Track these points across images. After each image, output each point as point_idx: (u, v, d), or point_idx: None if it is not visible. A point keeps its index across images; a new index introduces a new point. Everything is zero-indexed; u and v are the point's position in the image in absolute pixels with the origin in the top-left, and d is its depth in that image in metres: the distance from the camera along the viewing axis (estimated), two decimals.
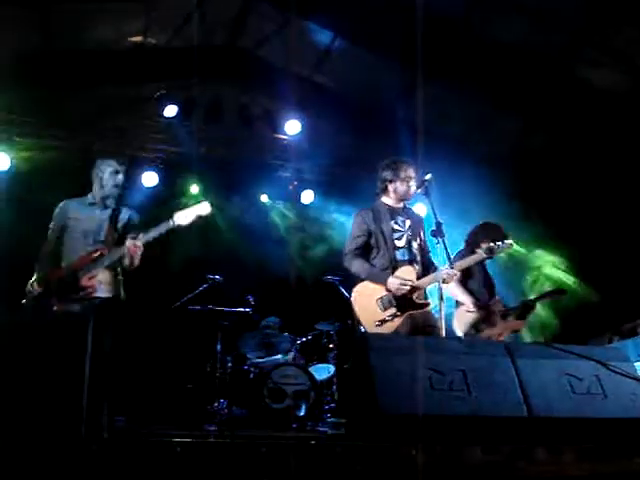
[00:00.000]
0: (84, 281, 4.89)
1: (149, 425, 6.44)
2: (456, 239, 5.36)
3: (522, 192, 8.99)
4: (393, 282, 5.04)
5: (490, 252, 5.22)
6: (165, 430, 5.72)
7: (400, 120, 8.24)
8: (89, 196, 5.28)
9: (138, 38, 8.46)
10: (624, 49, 7.35)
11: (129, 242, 4.90)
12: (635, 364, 6.24)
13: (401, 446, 3.30)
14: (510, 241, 5.30)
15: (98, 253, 4.97)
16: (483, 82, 7.94)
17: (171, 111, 8.94)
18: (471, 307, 5.86)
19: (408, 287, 5.01)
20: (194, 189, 9.59)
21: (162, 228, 5.02)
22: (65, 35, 7.86)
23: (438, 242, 4.84)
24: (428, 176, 5.09)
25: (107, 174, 5.22)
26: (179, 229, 5.04)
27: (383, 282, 5.07)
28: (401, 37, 7.11)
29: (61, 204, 5.23)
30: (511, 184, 8.77)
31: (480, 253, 5.24)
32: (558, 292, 6.36)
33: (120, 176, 5.24)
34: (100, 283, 4.94)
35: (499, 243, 5.24)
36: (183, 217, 5.04)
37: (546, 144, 8.54)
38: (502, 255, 5.60)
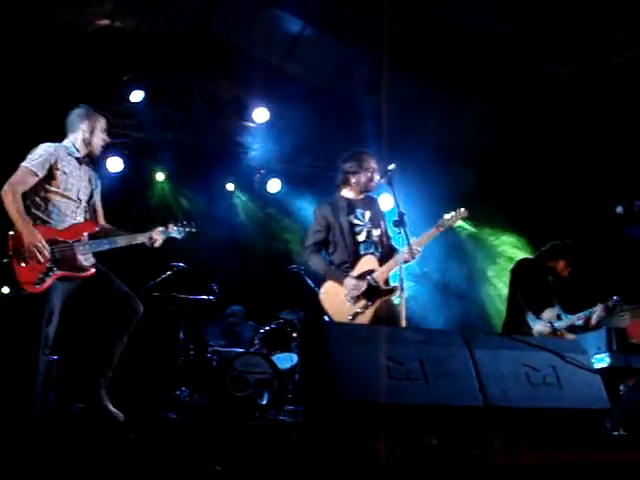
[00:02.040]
0: (84, 259, 4.48)
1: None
2: (419, 228, 5.37)
3: (486, 181, 9.09)
4: (348, 283, 5.07)
5: (442, 224, 5.22)
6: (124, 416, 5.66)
7: (368, 110, 8.22)
8: (71, 147, 4.62)
9: (105, 21, 8.34)
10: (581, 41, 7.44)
11: (157, 234, 4.71)
12: (595, 357, 6.39)
13: (357, 434, 3.31)
14: (463, 209, 5.31)
15: (92, 229, 4.59)
16: (449, 73, 7.98)
17: (137, 96, 8.83)
18: None
19: (363, 288, 5.04)
20: (159, 176, 9.50)
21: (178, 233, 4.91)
22: (31, 17, 7.72)
23: (400, 232, 4.86)
24: (391, 166, 5.10)
25: (98, 131, 4.66)
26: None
27: (340, 281, 5.10)
28: (370, 27, 7.10)
29: (47, 146, 4.49)
30: (476, 173, 8.87)
31: (435, 228, 5.23)
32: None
33: (107, 137, 4.74)
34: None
35: (452, 213, 5.26)
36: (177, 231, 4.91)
37: (510, 134, 8.60)
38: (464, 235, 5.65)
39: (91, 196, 4.72)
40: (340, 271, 5.15)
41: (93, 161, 4.85)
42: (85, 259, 4.52)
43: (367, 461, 3.06)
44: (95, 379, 4.50)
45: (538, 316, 6.24)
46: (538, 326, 6.19)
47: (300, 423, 5.27)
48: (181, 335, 7.47)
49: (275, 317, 8.16)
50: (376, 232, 5.31)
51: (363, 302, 5.07)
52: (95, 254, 4.61)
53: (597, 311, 6.38)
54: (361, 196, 5.43)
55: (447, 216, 5.24)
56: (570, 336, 6.34)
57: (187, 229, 4.99)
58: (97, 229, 4.69)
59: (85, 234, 4.55)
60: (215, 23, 8.84)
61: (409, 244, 4.88)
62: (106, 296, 4.57)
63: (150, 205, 9.32)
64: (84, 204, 4.66)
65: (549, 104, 8.11)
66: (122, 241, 4.69)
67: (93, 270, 4.55)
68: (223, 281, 8.01)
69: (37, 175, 4.36)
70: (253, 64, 8.84)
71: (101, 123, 4.72)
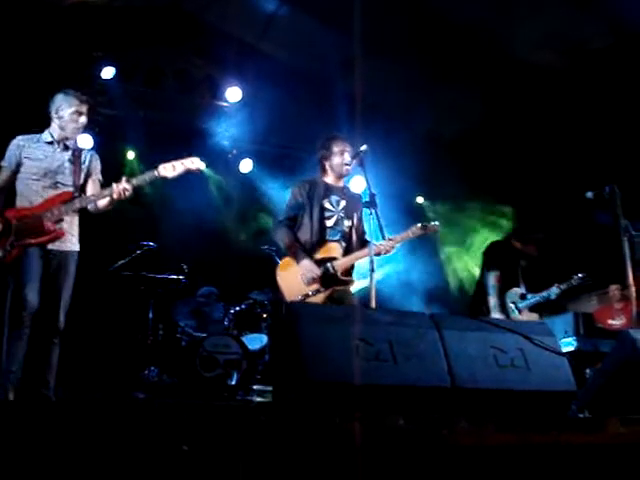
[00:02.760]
0: (48, 225, 4.65)
1: (75, 391, 6.33)
2: (389, 214, 5.41)
3: (462, 163, 9.13)
4: (304, 264, 5.09)
5: (424, 229, 5.31)
6: (91, 396, 5.64)
7: (342, 91, 8.19)
8: (46, 133, 4.92)
9: None
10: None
11: (120, 184, 4.70)
12: (562, 340, 6.46)
13: (326, 414, 3.31)
14: (435, 224, 5.44)
15: (68, 196, 4.75)
16: (424, 55, 7.96)
17: (108, 73, 8.71)
18: None
19: (317, 274, 5.06)
20: (130, 154, 9.39)
21: (147, 176, 4.87)
22: None
23: (371, 213, 4.86)
24: (363, 147, 5.10)
25: (67, 115, 4.86)
26: (163, 180, 4.91)
27: (297, 262, 5.11)
28: (344, 7, 7.04)
29: (16, 140, 4.85)
30: (449, 155, 8.90)
31: (413, 230, 5.32)
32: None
33: (83, 118, 4.91)
34: (67, 233, 4.75)
35: (433, 223, 5.39)
36: (170, 169, 4.85)
37: (484, 116, 8.63)
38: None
39: (74, 174, 4.87)
40: (301, 251, 5.16)
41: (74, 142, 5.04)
42: (54, 224, 4.69)
43: (335, 441, 3.06)
44: None
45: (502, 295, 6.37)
46: (496, 314, 6.31)
47: (269, 403, 5.28)
48: (150, 315, 7.43)
49: (245, 297, 8.15)
50: (347, 222, 5.35)
51: (316, 286, 5.09)
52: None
53: (555, 291, 6.48)
54: (340, 183, 5.48)
55: (419, 226, 5.33)
56: (532, 315, 6.43)
57: (151, 174, 4.94)
58: (72, 196, 4.80)
59: (59, 203, 4.72)
60: (189, 0, 8.73)
61: (381, 227, 4.87)
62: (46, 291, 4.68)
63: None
64: (60, 182, 4.83)
65: (524, 88, 8.15)
66: (92, 197, 4.84)
67: (62, 233, 4.73)
68: (193, 261, 7.96)
69: (10, 169, 4.80)
70: (227, 42, 8.76)
71: (75, 107, 4.88)
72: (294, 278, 5.12)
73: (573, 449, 3.22)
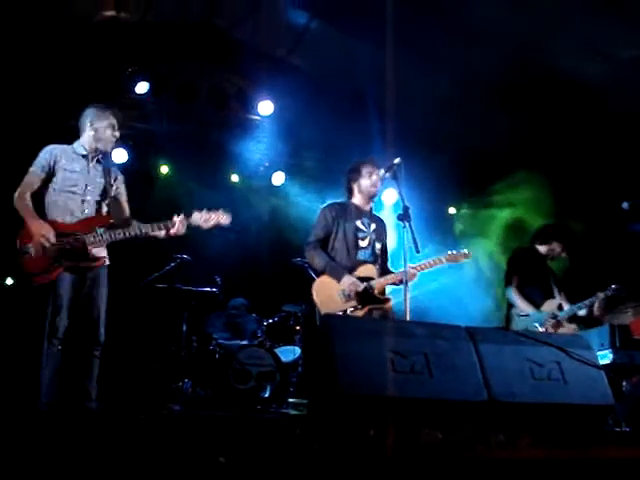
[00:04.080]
0: (93, 252, 4.65)
1: (112, 404, 6.39)
2: (421, 225, 5.41)
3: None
4: (346, 281, 5.11)
5: (454, 257, 5.35)
6: (127, 409, 5.69)
7: (373, 104, 8.21)
8: (78, 145, 4.87)
9: (111, 12, 8.31)
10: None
11: (181, 220, 4.79)
12: (598, 353, 6.39)
13: (360, 427, 3.31)
14: (467, 251, 5.47)
15: (107, 221, 4.76)
16: (457, 67, 7.95)
17: (142, 88, 8.82)
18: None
19: (360, 289, 5.07)
20: (164, 168, 9.49)
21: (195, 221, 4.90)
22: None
23: (405, 226, 4.86)
24: (397, 160, 5.11)
25: (103, 128, 4.84)
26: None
27: (338, 278, 5.12)
28: (375, 19, 7.07)
29: (50, 147, 4.77)
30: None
31: (441, 259, 5.36)
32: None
33: (117, 132, 4.92)
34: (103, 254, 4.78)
35: (464, 251, 5.44)
36: (202, 222, 4.91)
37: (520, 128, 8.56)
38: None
39: (105, 191, 4.87)
40: (341, 268, 5.19)
41: (106, 158, 5.01)
42: (97, 251, 4.69)
43: (370, 454, 3.06)
44: None
45: (539, 308, 6.28)
46: (520, 323, 6.25)
47: (303, 416, 5.28)
48: (184, 327, 7.47)
49: (278, 310, 8.17)
50: (378, 245, 5.43)
51: (353, 303, 5.12)
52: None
53: (599, 299, 6.36)
54: (368, 207, 5.55)
55: (450, 253, 5.39)
56: (571, 326, 6.34)
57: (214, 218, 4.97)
58: (112, 221, 4.81)
59: (98, 226, 4.69)
60: (221, 15, 8.80)
61: (415, 240, 4.86)
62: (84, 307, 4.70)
63: (154, 197, 9.30)
64: (95, 198, 4.82)
65: (559, 100, 8.07)
66: (136, 231, 4.81)
67: (103, 260, 4.74)
68: (226, 273, 8.01)
69: (39, 176, 4.69)
70: (258, 57, 8.81)
71: (109, 120, 4.89)
72: (331, 295, 5.15)
73: (611, 464, 3.18)
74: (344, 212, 5.40)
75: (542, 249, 6.59)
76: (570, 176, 8.55)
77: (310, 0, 8.19)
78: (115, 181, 4.99)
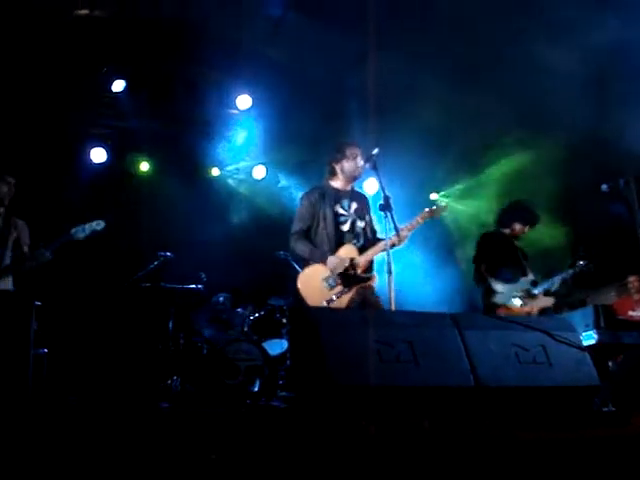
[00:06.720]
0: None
1: (99, 401, 6.39)
2: (403, 211, 5.42)
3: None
4: (332, 260, 5.14)
5: (431, 212, 5.32)
6: (118, 407, 5.68)
7: (352, 95, 8.19)
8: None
9: (84, 11, 8.24)
10: None
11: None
12: (583, 334, 6.44)
13: (351, 417, 3.33)
14: (444, 203, 5.49)
15: None
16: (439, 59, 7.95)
17: (119, 86, 8.77)
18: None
19: (347, 263, 5.09)
20: (144, 166, 9.44)
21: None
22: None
23: (386, 216, 4.89)
24: (375, 151, 5.13)
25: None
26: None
27: (323, 261, 5.15)
28: (354, 9, 7.05)
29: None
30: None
31: (425, 214, 5.33)
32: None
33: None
34: None
35: (440, 204, 5.44)
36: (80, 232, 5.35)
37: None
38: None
39: None
40: (322, 252, 5.22)
41: None
42: None
43: (361, 444, 3.08)
44: None
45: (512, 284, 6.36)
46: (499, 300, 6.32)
47: (293, 408, 5.29)
48: (171, 324, 7.45)
49: (264, 303, 8.17)
50: (360, 223, 5.42)
51: (339, 288, 5.14)
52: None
53: (569, 275, 6.52)
54: (349, 187, 5.53)
55: (426, 210, 5.35)
56: (547, 300, 6.41)
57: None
58: None
59: None
60: (195, 9, 8.75)
61: (396, 227, 4.91)
62: None
63: (135, 194, 9.26)
64: None
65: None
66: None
67: None
68: (210, 269, 7.99)
69: None
70: (235, 50, 8.77)
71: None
72: (316, 285, 5.16)
73: (599, 443, 3.21)
74: (323, 197, 5.39)
75: (506, 232, 6.68)
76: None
77: None
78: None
